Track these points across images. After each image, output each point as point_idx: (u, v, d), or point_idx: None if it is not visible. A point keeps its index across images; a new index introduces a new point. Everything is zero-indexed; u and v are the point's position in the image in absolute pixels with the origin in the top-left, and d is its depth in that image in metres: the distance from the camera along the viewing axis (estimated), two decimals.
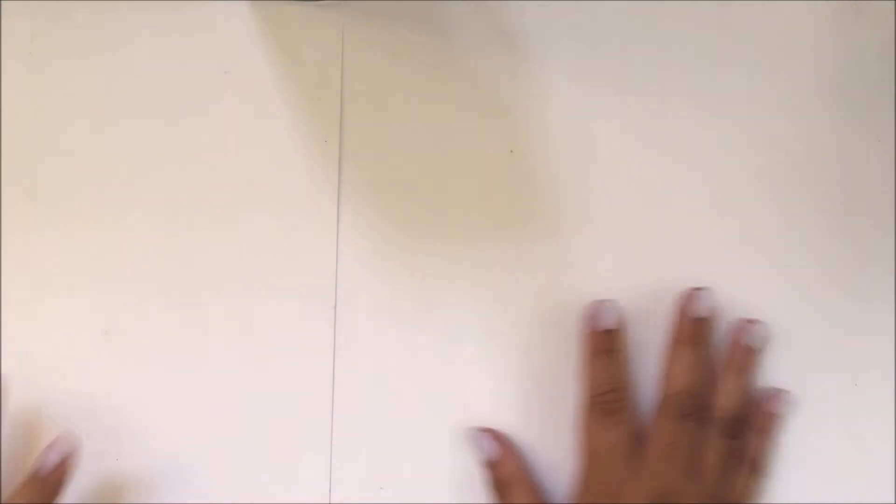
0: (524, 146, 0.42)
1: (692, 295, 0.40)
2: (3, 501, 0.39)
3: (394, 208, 0.42)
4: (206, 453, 0.41)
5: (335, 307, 0.42)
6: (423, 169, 0.42)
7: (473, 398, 0.42)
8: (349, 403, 0.42)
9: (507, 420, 0.42)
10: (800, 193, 0.43)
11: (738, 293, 0.42)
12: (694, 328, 0.40)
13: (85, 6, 0.41)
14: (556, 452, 0.41)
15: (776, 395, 0.41)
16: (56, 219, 0.41)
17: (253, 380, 0.41)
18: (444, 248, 0.42)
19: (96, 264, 0.41)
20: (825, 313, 0.43)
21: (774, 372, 0.42)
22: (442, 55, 0.42)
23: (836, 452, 0.42)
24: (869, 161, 0.43)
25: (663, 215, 0.42)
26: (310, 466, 0.41)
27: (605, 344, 0.40)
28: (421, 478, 0.42)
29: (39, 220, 0.41)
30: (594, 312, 0.40)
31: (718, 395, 0.40)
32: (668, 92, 0.42)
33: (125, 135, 0.41)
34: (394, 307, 0.42)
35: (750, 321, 0.41)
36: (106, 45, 0.41)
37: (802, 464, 0.42)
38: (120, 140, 0.41)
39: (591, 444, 0.39)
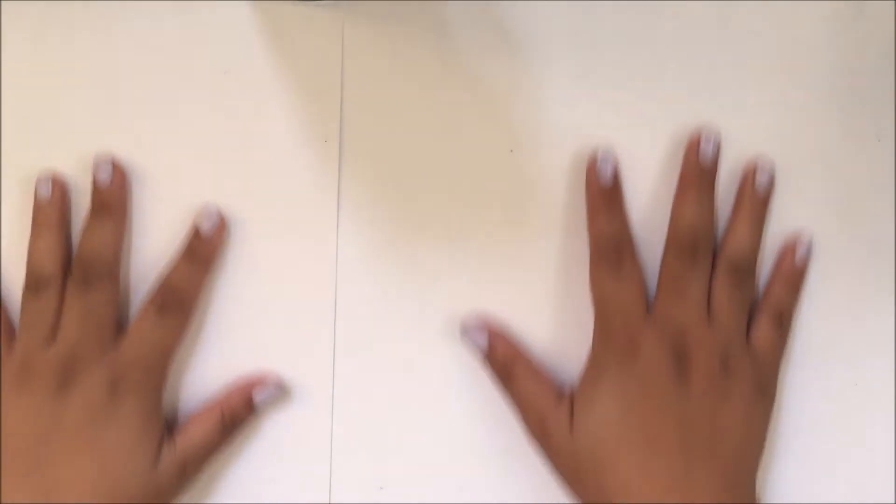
0: (524, 146, 0.42)
1: (700, 138, 0.40)
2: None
3: (394, 208, 0.42)
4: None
5: (335, 307, 0.42)
6: (422, 169, 0.42)
7: (474, 398, 0.42)
8: (349, 403, 0.42)
9: (508, 421, 0.42)
10: (800, 193, 0.43)
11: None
12: (700, 171, 0.40)
13: (85, 6, 0.41)
14: None
15: (796, 242, 0.41)
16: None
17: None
18: (444, 248, 0.42)
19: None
20: (825, 313, 0.43)
21: None
22: (442, 55, 0.42)
23: (836, 452, 0.42)
24: (869, 161, 0.43)
25: (663, 215, 0.42)
26: (310, 466, 0.41)
27: (605, 198, 0.40)
28: (421, 478, 0.42)
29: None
30: (593, 167, 0.40)
31: (728, 240, 0.40)
32: (668, 92, 0.42)
33: (125, 135, 0.41)
34: (394, 307, 0.42)
35: (757, 165, 0.40)
36: (106, 44, 0.41)
37: (803, 464, 0.42)
38: (120, 140, 0.41)
39: (602, 299, 0.39)
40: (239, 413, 0.40)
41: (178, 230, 0.41)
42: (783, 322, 0.40)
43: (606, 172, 0.40)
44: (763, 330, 0.40)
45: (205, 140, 0.41)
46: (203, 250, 0.40)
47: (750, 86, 0.42)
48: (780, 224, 0.42)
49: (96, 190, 0.40)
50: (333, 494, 0.41)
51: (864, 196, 0.43)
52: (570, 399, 0.39)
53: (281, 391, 0.41)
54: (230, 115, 0.41)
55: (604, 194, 0.40)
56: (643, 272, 0.40)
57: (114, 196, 0.40)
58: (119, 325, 0.39)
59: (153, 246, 0.41)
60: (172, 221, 0.41)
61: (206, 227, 0.40)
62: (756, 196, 0.41)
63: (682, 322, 0.39)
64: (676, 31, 0.42)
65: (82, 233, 0.39)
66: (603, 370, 0.39)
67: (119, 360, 0.38)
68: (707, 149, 0.40)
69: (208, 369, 0.41)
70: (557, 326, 0.42)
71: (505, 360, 0.40)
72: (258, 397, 0.40)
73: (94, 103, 0.41)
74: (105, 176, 0.39)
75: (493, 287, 0.42)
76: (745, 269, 0.40)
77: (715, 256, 0.40)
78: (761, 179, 0.40)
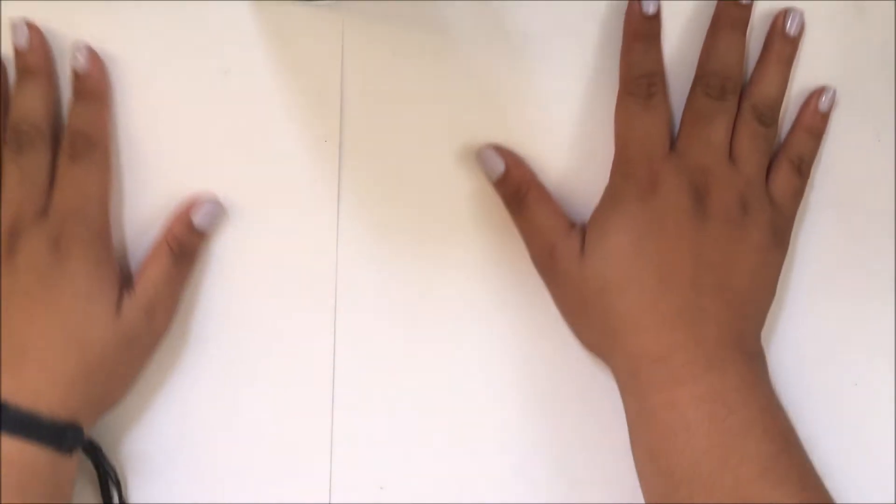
0: (524, 146, 0.42)
1: None
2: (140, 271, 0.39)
3: (394, 208, 0.42)
4: (207, 453, 0.41)
5: (335, 307, 0.42)
6: (423, 168, 0.42)
7: (474, 398, 0.42)
8: (349, 403, 0.42)
9: (508, 421, 0.42)
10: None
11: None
12: (734, 12, 0.40)
13: (85, 6, 0.41)
14: None
15: (820, 91, 0.41)
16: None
17: (253, 380, 0.41)
18: (444, 247, 0.42)
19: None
20: (825, 313, 0.43)
21: (774, 372, 0.42)
22: (442, 55, 0.42)
23: (836, 452, 0.42)
24: (869, 161, 0.43)
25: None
26: (310, 466, 0.41)
27: (644, 28, 0.39)
28: (421, 478, 0.42)
29: None
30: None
31: (755, 83, 0.40)
32: (667, 91, 0.42)
33: (124, 134, 0.41)
34: (394, 307, 0.42)
35: (788, 9, 0.40)
36: (106, 45, 0.41)
37: None
38: (119, 140, 0.41)
39: (627, 130, 0.39)
40: (184, 239, 0.40)
41: None
42: (802, 170, 0.40)
43: (650, 2, 0.39)
44: (783, 176, 0.40)
45: (205, 140, 0.41)
46: (89, 86, 0.39)
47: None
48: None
49: (18, 54, 0.39)
50: (333, 494, 0.41)
51: (864, 196, 0.43)
52: (581, 229, 0.39)
53: (219, 207, 0.40)
54: (230, 115, 0.41)
55: (643, 25, 0.39)
56: (671, 109, 0.40)
57: (36, 58, 0.39)
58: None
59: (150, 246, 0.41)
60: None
61: (80, 63, 0.39)
62: (785, 41, 0.40)
63: (704, 161, 0.39)
64: (676, 31, 0.42)
65: (12, 98, 0.39)
66: (620, 201, 0.39)
67: (54, 218, 0.38)
68: None
69: (209, 368, 0.41)
70: (558, 326, 0.42)
71: (519, 185, 0.40)
72: (196, 218, 0.40)
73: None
74: (22, 40, 0.39)
75: (493, 287, 0.42)
76: (770, 113, 0.40)
77: (741, 100, 0.40)
78: (791, 24, 0.40)
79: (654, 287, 0.37)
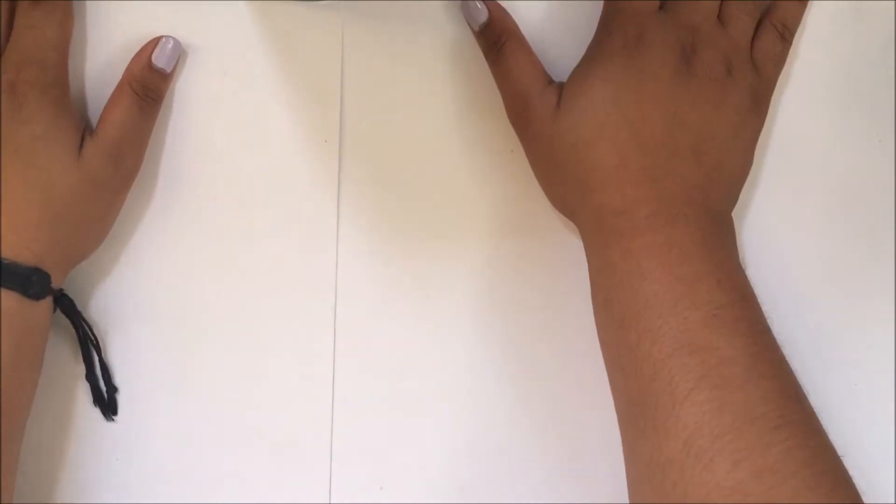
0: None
1: None
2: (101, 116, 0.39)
3: (394, 208, 0.42)
4: (206, 453, 0.41)
5: (335, 307, 0.42)
6: (423, 168, 0.42)
7: (474, 398, 0.42)
8: (349, 403, 0.42)
9: (508, 421, 0.42)
10: (800, 193, 0.43)
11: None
12: None
13: (85, 6, 0.41)
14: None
15: None
16: None
17: (253, 380, 0.41)
18: (443, 248, 0.42)
19: (94, 264, 0.41)
20: (825, 313, 0.43)
21: None
22: (442, 55, 0.42)
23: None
24: (869, 161, 0.43)
25: None
26: (310, 466, 0.41)
27: None
28: (421, 478, 0.42)
29: None
30: None
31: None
32: None
33: None
34: (394, 307, 0.42)
35: None
36: (105, 45, 0.41)
37: None
38: None
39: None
40: (146, 80, 0.39)
41: (176, 230, 0.41)
42: (785, 36, 0.40)
43: None
44: (767, 41, 0.40)
45: (204, 140, 0.41)
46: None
47: None
48: (780, 224, 0.42)
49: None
50: (333, 494, 0.41)
51: (864, 196, 0.43)
52: (560, 85, 0.39)
53: (177, 46, 0.40)
54: (230, 116, 0.41)
55: None
56: None
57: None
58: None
59: (150, 246, 0.41)
60: (172, 221, 0.41)
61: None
62: None
63: (693, 19, 0.38)
64: None
65: None
66: (603, 54, 0.38)
67: (10, 62, 0.37)
68: None
69: (212, 368, 0.41)
70: (558, 326, 0.42)
71: (500, 34, 0.40)
72: (155, 59, 0.39)
73: (93, 103, 0.41)
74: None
75: (493, 287, 0.42)
76: None
77: None
78: None
79: (627, 143, 0.37)
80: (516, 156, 0.42)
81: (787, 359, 0.42)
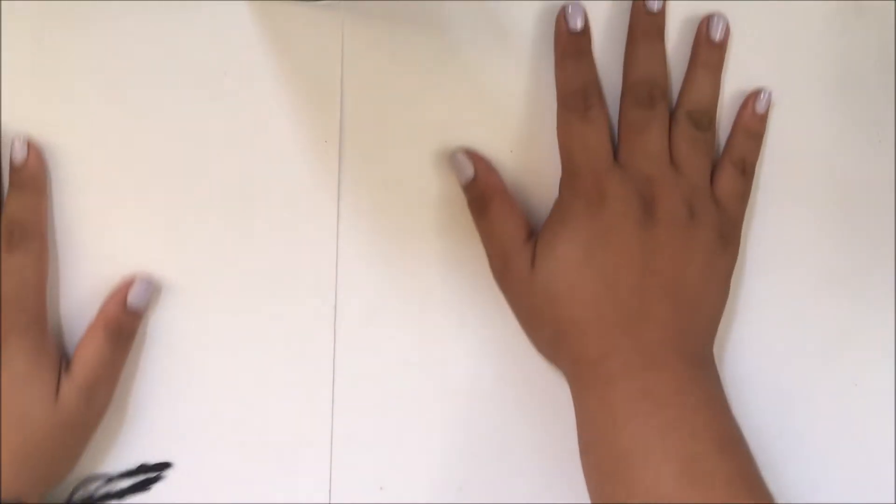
0: (524, 146, 0.42)
1: None
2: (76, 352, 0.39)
3: (394, 208, 0.42)
4: (206, 453, 0.41)
5: (335, 307, 0.42)
6: (423, 169, 0.42)
7: (474, 398, 0.42)
8: (349, 403, 0.42)
9: (508, 421, 0.42)
10: (800, 193, 0.43)
11: (738, 293, 0.42)
12: (648, 20, 0.40)
13: (85, 6, 0.41)
14: None
15: (756, 93, 0.41)
16: (55, 219, 0.41)
17: (253, 380, 0.41)
18: (443, 248, 0.42)
19: (95, 265, 0.41)
20: (825, 313, 0.43)
21: (775, 372, 0.43)
22: (442, 55, 0.42)
23: (836, 452, 0.42)
24: (869, 161, 0.43)
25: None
26: (310, 466, 0.41)
27: (573, 45, 0.40)
28: (421, 478, 0.42)
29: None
30: (563, 14, 0.40)
31: (687, 90, 0.40)
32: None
33: (125, 135, 0.41)
34: (394, 307, 0.42)
35: (712, 14, 0.41)
36: (106, 45, 0.41)
37: (803, 464, 0.42)
38: (120, 140, 0.41)
39: (569, 144, 0.40)
40: (120, 320, 0.40)
41: (176, 230, 0.41)
42: (746, 171, 0.41)
43: (576, 19, 0.39)
44: (726, 179, 0.40)
45: (205, 140, 0.41)
46: (26, 176, 0.39)
47: (750, 85, 0.42)
48: (780, 224, 0.42)
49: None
50: (333, 494, 0.41)
51: (864, 196, 0.43)
52: (536, 240, 0.40)
53: (152, 286, 0.40)
54: (230, 116, 0.41)
55: (572, 41, 0.40)
56: (610, 120, 0.40)
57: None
58: None
59: (150, 246, 0.41)
60: (171, 221, 0.41)
61: (18, 154, 0.39)
62: (711, 47, 0.41)
63: (647, 169, 0.39)
64: (676, 31, 0.42)
65: None
66: (568, 213, 0.39)
67: None
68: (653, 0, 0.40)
69: (211, 368, 0.41)
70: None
71: (485, 191, 0.40)
72: (130, 298, 0.40)
73: (93, 103, 0.41)
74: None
75: (493, 287, 0.42)
76: (705, 118, 0.40)
77: (676, 107, 0.41)
78: (715, 30, 0.41)
79: (600, 295, 0.38)
80: (516, 156, 0.42)
81: (788, 359, 0.43)
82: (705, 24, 0.41)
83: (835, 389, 0.42)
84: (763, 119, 0.41)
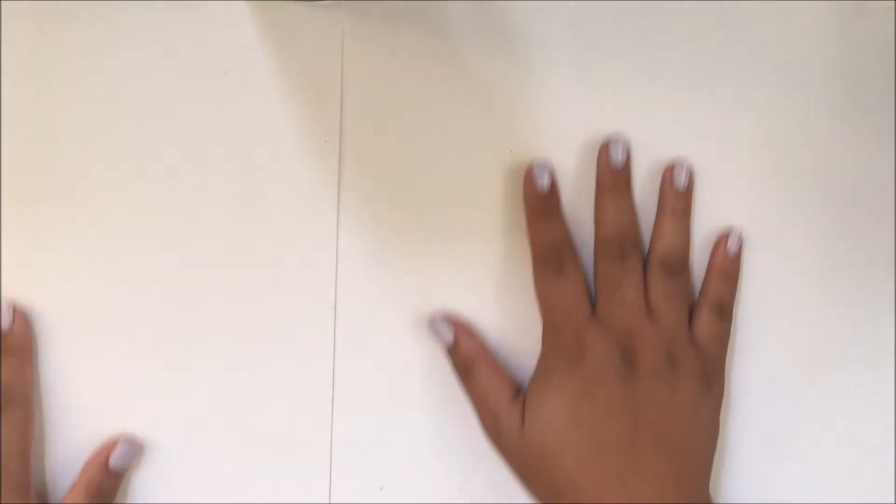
0: (524, 146, 0.42)
1: (608, 144, 0.41)
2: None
3: (394, 208, 0.42)
4: (206, 453, 0.41)
5: (335, 307, 0.42)
6: (423, 169, 0.42)
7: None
8: (349, 403, 0.42)
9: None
10: (800, 193, 0.43)
11: (738, 293, 0.42)
12: (614, 175, 0.41)
13: (85, 6, 0.41)
14: None
15: (727, 234, 0.41)
16: (56, 219, 0.41)
17: (253, 380, 0.41)
18: (444, 248, 0.42)
19: (95, 265, 0.41)
20: (825, 313, 0.43)
21: (774, 372, 0.43)
22: (442, 55, 0.42)
23: (836, 452, 0.42)
24: (869, 161, 0.43)
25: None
26: (310, 466, 0.41)
27: (542, 205, 0.40)
28: (421, 478, 0.42)
29: (39, 220, 0.41)
30: (530, 174, 0.40)
31: (657, 239, 0.41)
32: (667, 92, 0.42)
33: (125, 135, 0.41)
34: (394, 307, 0.42)
35: (674, 164, 0.41)
36: (106, 45, 0.41)
37: (803, 464, 0.42)
38: (120, 140, 0.41)
39: (547, 302, 0.40)
40: (101, 482, 0.40)
41: (176, 230, 0.41)
42: (723, 313, 0.41)
43: (543, 179, 0.40)
44: (704, 322, 0.41)
45: (204, 140, 0.41)
46: (12, 343, 0.40)
47: (750, 86, 0.42)
48: (780, 224, 0.42)
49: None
50: (333, 494, 0.41)
51: (864, 196, 0.43)
52: (524, 399, 0.40)
53: (135, 447, 0.40)
54: (230, 116, 0.41)
55: (541, 201, 0.40)
56: (585, 275, 0.41)
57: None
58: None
59: (150, 246, 0.41)
60: (171, 221, 0.41)
61: (3, 323, 0.40)
62: (677, 195, 0.41)
63: (625, 323, 0.39)
64: (676, 31, 0.42)
65: None
66: (552, 371, 0.39)
67: None
68: (617, 151, 0.41)
69: (211, 368, 0.41)
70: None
71: (467, 355, 0.40)
72: (112, 461, 0.40)
73: (93, 103, 0.41)
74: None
75: (493, 287, 0.42)
76: (677, 264, 0.41)
77: (649, 254, 0.41)
78: (679, 177, 0.41)
79: (592, 452, 0.38)
80: (516, 156, 0.42)
81: (788, 359, 0.43)
82: (669, 172, 0.41)
83: (835, 389, 0.42)
84: (736, 259, 0.42)
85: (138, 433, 0.41)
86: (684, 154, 0.42)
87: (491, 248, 0.42)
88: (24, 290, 0.41)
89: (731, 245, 0.41)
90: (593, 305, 0.40)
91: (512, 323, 0.42)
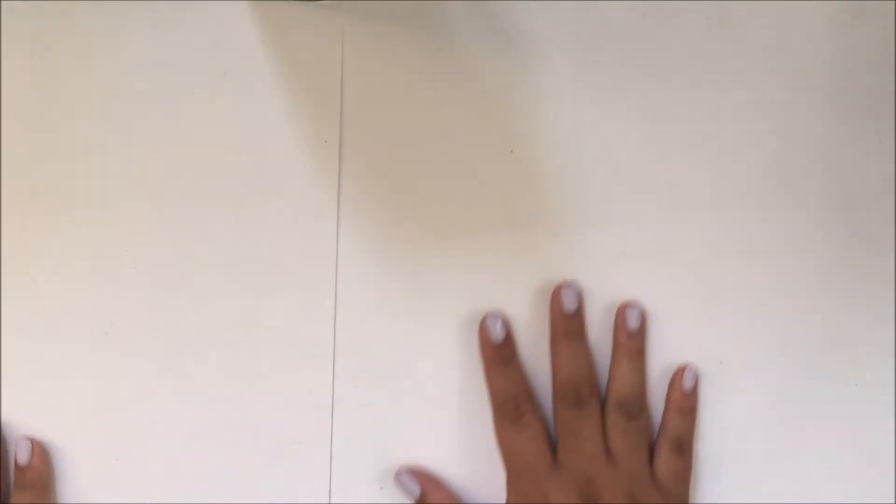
0: (524, 146, 0.42)
1: (560, 291, 0.41)
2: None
3: (394, 208, 0.42)
4: (206, 453, 0.41)
5: (335, 307, 0.42)
6: (423, 169, 0.42)
7: (473, 398, 0.42)
8: (349, 403, 0.42)
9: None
10: (800, 193, 0.43)
11: (738, 293, 0.42)
12: (567, 322, 0.41)
13: (85, 6, 0.41)
14: None
15: (681, 371, 0.41)
16: (56, 219, 0.41)
17: (253, 380, 0.41)
18: (444, 248, 0.42)
19: (96, 264, 0.41)
20: (825, 313, 0.43)
21: (774, 372, 0.43)
22: (442, 55, 0.42)
23: (836, 452, 0.42)
24: (869, 161, 0.43)
25: (663, 215, 0.42)
26: (310, 466, 0.41)
27: (498, 355, 0.41)
28: None
29: (39, 219, 0.41)
30: (484, 326, 0.41)
31: (613, 381, 0.41)
32: (668, 91, 0.42)
33: (125, 135, 0.41)
34: (394, 307, 0.42)
35: (626, 305, 0.41)
36: (106, 45, 0.41)
37: (803, 464, 0.42)
38: (120, 140, 0.41)
39: (508, 451, 0.40)
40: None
41: (176, 230, 0.41)
42: (683, 449, 0.41)
43: (496, 329, 0.40)
44: (665, 460, 0.41)
45: (204, 140, 0.41)
46: (30, 477, 0.40)
47: (750, 86, 0.42)
48: (781, 224, 0.42)
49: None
50: (333, 494, 0.41)
51: (864, 196, 0.43)
52: None
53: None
54: (230, 116, 0.41)
55: (496, 351, 0.41)
56: (544, 422, 0.41)
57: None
58: None
59: (150, 246, 0.41)
60: (171, 221, 0.41)
61: (22, 459, 0.40)
62: (630, 336, 0.41)
63: (585, 470, 0.39)
64: (676, 32, 0.42)
65: None
66: None
67: None
68: (569, 298, 0.41)
69: (211, 367, 0.41)
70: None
71: None
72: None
73: (93, 103, 0.41)
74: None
75: (493, 287, 0.42)
76: (635, 405, 0.41)
77: (606, 396, 0.41)
78: (631, 318, 0.41)
79: None
80: (516, 156, 0.42)
81: (788, 359, 0.42)
82: (621, 315, 0.41)
83: (835, 389, 0.42)
84: (692, 394, 0.42)
85: (138, 433, 0.41)
86: (685, 152, 0.42)
87: (490, 248, 0.42)
88: (24, 289, 0.41)
89: (687, 381, 0.41)
90: (554, 452, 0.40)
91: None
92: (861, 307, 0.43)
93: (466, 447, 0.42)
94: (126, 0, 0.41)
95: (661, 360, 0.42)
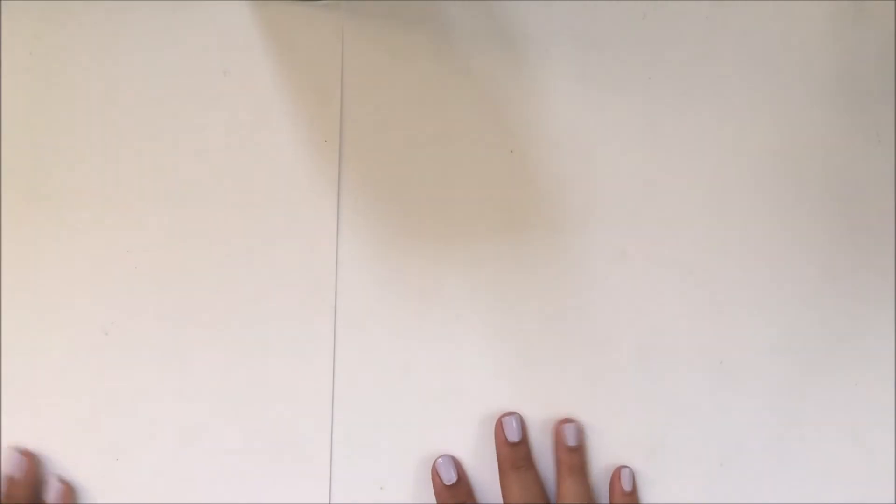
0: (524, 146, 0.42)
1: (503, 423, 0.41)
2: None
3: (394, 208, 0.42)
4: (207, 453, 0.41)
5: (335, 307, 0.42)
6: (423, 169, 0.42)
7: (473, 398, 0.42)
8: (349, 403, 0.42)
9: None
10: (800, 193, 0.43)
11: (738, 293, 0.42)
12: (513, 452, 0.41)
13: (85, 6, 0.41)
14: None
15: (618, 472, 0.42)
16: (56, 219, 0.41)
17: (253, 380, 0.41)
18: (443, 247, 0.42)
19: (96, 264, 0.41)
20: (825, 314, 0.43)
21: (774, 372, 0.43)
22: (442, 55, 0.42)
23: (836, 452, 0.42)
24: (869, 161, 0.43)
25: (663, 216, 0.42)
26: (310, 466, 0.41)
27: (448, 495, 0.41)
28: (421, 478, 0.42)
29: (39, 220, 0.41)
30: (435, 471, 0.41)
31: (561, 496, 0.42)
32: (667, 92, 0.42)
33: (125, 135, 0.41)
34: (394, 307, 0.42)
35: (563, 422, 0.42)
36: (106, 45, 0.41)
37: (803, 464, 0.42)
38: (120, 140, 0.41)
39: None
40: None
41: (177, 230, 0.41)
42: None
43: (448, 472, 0.41)
44: None
45: (205, 140, 0.41)
46: (18, 493, 0.40)
47: (750, 86, 0.42)
48: (781, 223, 0.42)
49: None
50: (333, 494, 0.41)
51: (864, 196, 0.43)
52: None
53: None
54: (230, 116, 0.41)
55: (448, 492, 0.41)
56: None
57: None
58: None
59: (150, 246, 0.41)
60: (172, 221, 0.41)
61: (15, 471, 0.40)
62: (570, 452, 0.42)
63: None
64: (676, 32, 0.42)
65: None
66: None
67: None
68: (511, 428, 0.41)
69: (212, 368, 0.41)
70: (557, 326, 0.42)
71: None
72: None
73: (93, 103, 0.41)
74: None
75: (492, 287, 0.42)
76: None
77: None
78: (570, 436, 0.42)
79: None
80: (516, 156, 0.42)
81: (788, 359, 0.43)
82: (560, 432, 0.42)
83: (835, 389, 0.42)
84: (633, 494, 0.42)
85: (138, 432, 0.41)
86: (685, 152, 0.42)
87: (490, 248, 0.42)
88: (24, 289, 0.41)
89: (625, 482, 0.42)
90: None
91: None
92: (861, 307, 0.43)
93: (466, 447, 0.42)
94: (126, 0, 0.41)
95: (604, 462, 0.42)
